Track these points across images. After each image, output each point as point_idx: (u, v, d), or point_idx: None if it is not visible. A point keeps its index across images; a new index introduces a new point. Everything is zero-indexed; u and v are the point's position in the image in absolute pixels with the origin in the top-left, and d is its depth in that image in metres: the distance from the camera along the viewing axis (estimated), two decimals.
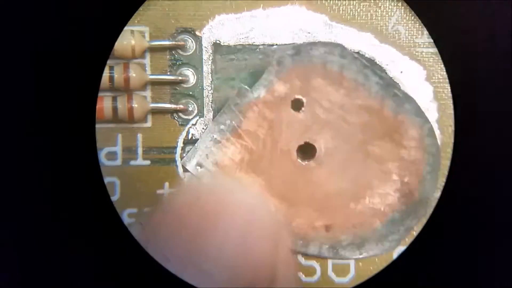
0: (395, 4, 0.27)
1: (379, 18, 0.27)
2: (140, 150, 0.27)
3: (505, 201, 0.23)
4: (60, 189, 0.23)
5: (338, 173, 0.26)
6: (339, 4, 0.27)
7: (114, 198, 0.27)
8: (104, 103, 0.26)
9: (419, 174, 0.26)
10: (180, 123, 0.27)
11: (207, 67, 0.27)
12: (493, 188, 0.23)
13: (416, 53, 0.27)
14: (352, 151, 0.26)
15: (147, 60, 0.27)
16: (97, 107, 0.25)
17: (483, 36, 0.24)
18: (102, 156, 0.27)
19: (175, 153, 0.27)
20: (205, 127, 0.27)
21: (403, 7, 0.27)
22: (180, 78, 0.27)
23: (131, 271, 0.21)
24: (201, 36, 0.27)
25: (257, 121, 0.26)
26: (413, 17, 0.27)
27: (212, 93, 0.27)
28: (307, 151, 0.26)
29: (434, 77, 0.27)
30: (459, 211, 0.23)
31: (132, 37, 0.26)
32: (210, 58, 0.27)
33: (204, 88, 0.27)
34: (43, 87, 0.23)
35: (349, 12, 0.27)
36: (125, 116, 0.26)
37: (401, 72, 0.27)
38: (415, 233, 0.26)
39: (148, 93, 0.27)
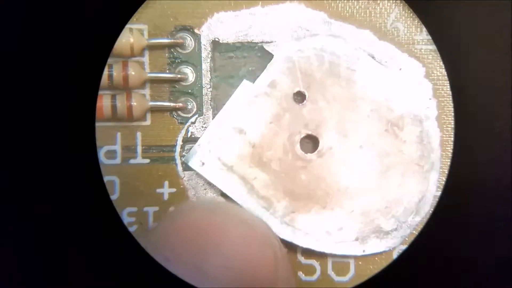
0: (394, 1, 0.27)
1: (378, 15, 0.27)
2: (139, 149, 0.27)
3: (506, 200, 0.23)
4: (59, 188, 0.23)
5: (341, 166, 0.26)
6: (338, 2, 0.27)
7: (113, 197, 0.27)
8: (103, 102, 0.26)
9: (421, 170, 0.26)
10: (179, 121, 0.27)
11: (206, 65, 0.27)
12: (493, 187, 0.23)
13: (415, 50, 0.27)
14: (355, 144, 0.26)
15: (146, 58, 0.27)
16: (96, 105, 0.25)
17: (482, 33, 0.24)
18: (101, 154, 0.27)
19: (175, 151, 0.27)
20: (204, 125, 0.27)
21: (401, 4, 0.27)
22: (179, 76, 0.27)
23: (131, 270, 0.21)
24: (200, 34, 0.27)
25: (260, 115, 0.26)
26: (411, 14, 0.27)
27: (211, 91, 0.27)
28: (310, 143, 0.26)
29: (433, 74, 0.27)
30: (459, 210, 0.23)
31: (130, 35, 0.26)
32: (209, 56, 0.27)
33: (203, 86, 0.27)
34: (43, 86, 0.23)
35: (347, 9, 0.27)
36: (124, 114, 0.26)
37: (400, 69, 0.27)
38: (415, 232, 0.26)
39: (147, 91, 0.27)
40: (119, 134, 0.27)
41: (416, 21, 0.27)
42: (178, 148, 0.27)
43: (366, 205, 0.26)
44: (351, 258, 0.27)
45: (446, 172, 0.26)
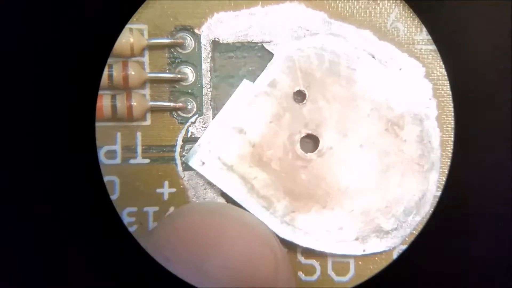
0: (394, 1, 0.27)
1: (378, 15, 0.27)
2: (139, 149, 0.27)
3: (506, 200, 0.23)
4: (59, 188, 0.23)
5: (341, 165, 0.26)
6: (338, 2, 0.27)
7: (113, 197, 0.27)
8: (103, 102, 0.26)
9: (421, 169, 0.26)
10: (179, 121, 0.27)
11: (206, 65, 0.27)
12: (493, 186, 0.23)
13: (415, 50, 0.27)
14: (355, 143, 0.26)
15: (146, 58, 0.27)
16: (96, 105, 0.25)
17: (482, 33, 0.24)
18: (101, 154, 0.27)
19: (175, 151, 0.27)
20: (204, 125, 0.27)
21: (401, 4, 0.27)
22: (179, 76, 0.27)
23: (131, 270, 0.21)
24: (199, 34, 0.27)
25: (260, 115, 0.26)
26: (411, 14, 0.27)
27: (211, 91, 0.27)
28: (310, 143, 0.27)
29: (433, 74, 0.27)
30: (460, 209, 0.23)
31: (130, 35, 0.26)
32: (209, 56, 0.27)
33: (203, 86, 0.27)
34: (43, 86, 0.23)
35: (347, 9, 0.27)
36: (124, 114, 0.26)
37: (400, 69, 0.27)
38: (415, 232, 0.26)
39: (147, 91, 0.27)
40: (119, 134, 0.27)
41: (416, 21, 0.27)
42: (178, 148, 0.27)
43: (366, 205, 0.26)
44: (351, 258, 0.27)
45: (446, 172, 0.26)
